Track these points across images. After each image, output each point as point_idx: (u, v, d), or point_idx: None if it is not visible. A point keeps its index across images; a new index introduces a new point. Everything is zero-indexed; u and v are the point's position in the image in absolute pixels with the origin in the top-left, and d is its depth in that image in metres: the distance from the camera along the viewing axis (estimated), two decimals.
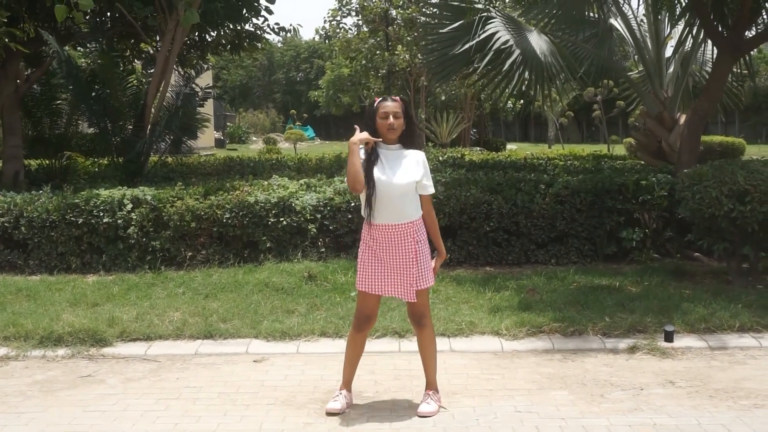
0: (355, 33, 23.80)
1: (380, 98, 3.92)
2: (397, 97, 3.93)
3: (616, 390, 4.29)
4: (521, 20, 9.70)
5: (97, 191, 7.53)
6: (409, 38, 20.49)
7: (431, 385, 4.04)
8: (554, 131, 36.09)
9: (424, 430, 3.76)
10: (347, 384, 4.08)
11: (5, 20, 8.41)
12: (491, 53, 8.42)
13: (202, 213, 7.19)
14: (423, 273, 3.90)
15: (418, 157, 3.92)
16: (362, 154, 3.83)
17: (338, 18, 23.77)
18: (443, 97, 25.00)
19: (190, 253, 7.23)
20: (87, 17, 10.52)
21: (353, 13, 23.01)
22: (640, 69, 11.03)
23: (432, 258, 4.03)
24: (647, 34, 10.01)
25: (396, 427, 3.80)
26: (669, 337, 5.07)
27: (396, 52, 21.13)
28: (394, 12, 21.50)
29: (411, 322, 4.11)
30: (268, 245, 7.22)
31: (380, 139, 3.86)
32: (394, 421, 3.87)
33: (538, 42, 8.97)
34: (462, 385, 4.39)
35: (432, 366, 4.04)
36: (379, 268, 3.89)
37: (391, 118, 3.82)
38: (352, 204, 7.35)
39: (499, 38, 8.43)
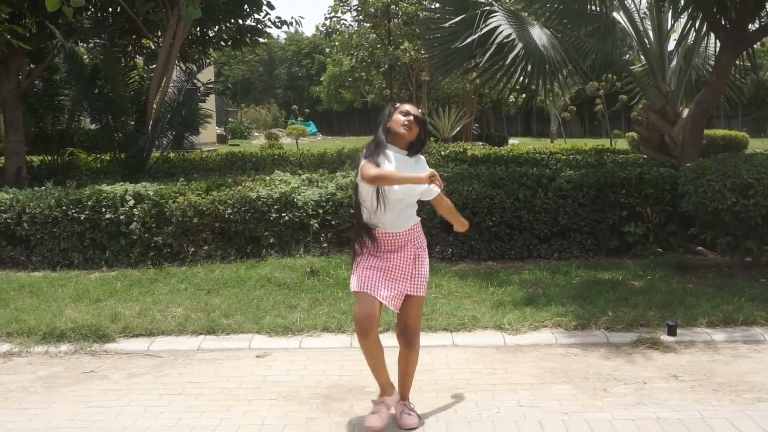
0: (356, 28, 23.77)
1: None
2: (419, 110, 3.80)
3: (619, 384, 4.28)
4: (523, 14, 9.68)
5: (99, 187, 7.54)
6: (411, 33, 20.46)
7: (406, 397, 3.86)
8: (556, 126, 36.08)
9: (428, 426, 3.75)
10: (386, 388, 3.77)
11: (6, 16, 8.41)
12: (493, 47, 8.41)
13: (204, 208, 7.19)
14: (422, 279, 3.73)
15: (423, 163, 3.80)
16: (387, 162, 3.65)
17: (339, 14, 23.74)
18: (446, 85, 24.87)
19: (192, 249, 7.23)
20: (89, 12, 10.53)
21: (352, 11, 23.00)
22: (642, 63, 11.01)
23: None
24: (650, 28, 9.98)
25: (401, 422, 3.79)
26: (672, 331, 5.07)
27: (402, 47, 21.08)
28: (394, 6, 21.46)
29: (400, 340, 3.77)
30: (271, 241, 7.22)
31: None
32: None
33: (540, 36, 8.94)
34: (465, 379, 4.39)
35: (411, 381, 3.87)
36: (378, 269, 3.65)
37: (411, 117, 3.68)
38: (354, 199, 7.34)
39: (501, 32, 8.41)
